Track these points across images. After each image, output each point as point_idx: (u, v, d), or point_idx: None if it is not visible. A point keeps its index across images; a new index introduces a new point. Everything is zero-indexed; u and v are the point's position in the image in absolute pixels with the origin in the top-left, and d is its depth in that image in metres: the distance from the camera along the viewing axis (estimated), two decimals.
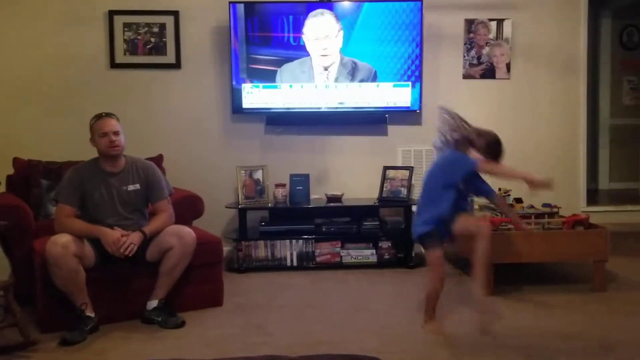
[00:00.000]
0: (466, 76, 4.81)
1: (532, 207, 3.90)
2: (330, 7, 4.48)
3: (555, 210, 3.80)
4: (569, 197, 4.74)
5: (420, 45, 4.58)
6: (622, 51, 6.63)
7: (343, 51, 4.53)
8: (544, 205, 3.90)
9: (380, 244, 4.30)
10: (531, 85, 4.82)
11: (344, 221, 4.42)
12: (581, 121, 4.84)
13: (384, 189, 4.53)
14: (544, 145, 4.83)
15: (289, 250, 4.25)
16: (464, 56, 4.78)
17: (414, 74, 4.60)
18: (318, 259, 4.27)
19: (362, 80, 4.56)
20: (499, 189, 4.07)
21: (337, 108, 4.59)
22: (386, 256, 4.29)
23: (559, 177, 4.81)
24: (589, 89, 6.08)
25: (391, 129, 4.80)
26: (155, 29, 4.56)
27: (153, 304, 3.08)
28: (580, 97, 4.85)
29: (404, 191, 4.45)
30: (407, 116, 4.75)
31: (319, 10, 4.48)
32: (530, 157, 4.80)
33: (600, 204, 5.18)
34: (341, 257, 4.28)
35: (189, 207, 3.75)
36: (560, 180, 4.80)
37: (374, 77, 4.56)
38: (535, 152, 4.81)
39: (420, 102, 4.65)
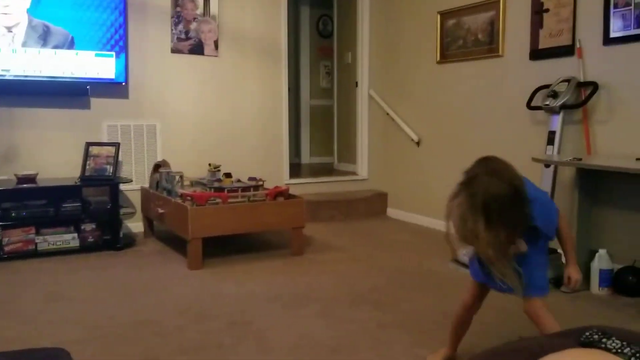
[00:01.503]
0: (174, 50, 4.72)
1: (239, 180, 4.06)
2: None
3: (260, 183, 4.02)
4: (275, 171, 5.09)
5: (124, 13, 4.32)
6: (318, 38, 7.36)
7: (32, 12, 3.99)
8: (250, 178, 4.09)
9: (83, 227, 3.97)
10: (238, 64, 4.99)
11: (39, 204, 3.94)
12: (284, 102, 5.22)
13: (87, 167, 4.18)
14: (251, 123, 5.07)
15: None
16: (172, 30, 4.68)
17: (118, 43, 4.32)
18: (7, 249, 3.73)
19: (56, 47, 4.09)
20: (209, 164, 4.14)
21: (27, 76, 4.04)
22: (90, 239, 3.99)
23: (266, 152, 5.14)
24: (292, 71, 6.62)
25: (95, 102, 4.44)
26: None
27: None
28: (282, 79, 5.22)
29: (110, 169, 4.18)
30: (112, 89, 4.45)
31: None
32: (238, 134, 5.00)
33: (301, 176, 5.69)
34: (36, 244, 3.82)
35: None
36: (266, 156, 5.14)
37: (70, 44, 4.14)
38: (243, 130, 5.03)
39: (127, 74, 4.41)
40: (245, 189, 3.87)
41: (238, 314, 2.77)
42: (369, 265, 3.67)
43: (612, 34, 3.36)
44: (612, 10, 3.36)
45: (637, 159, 2.96)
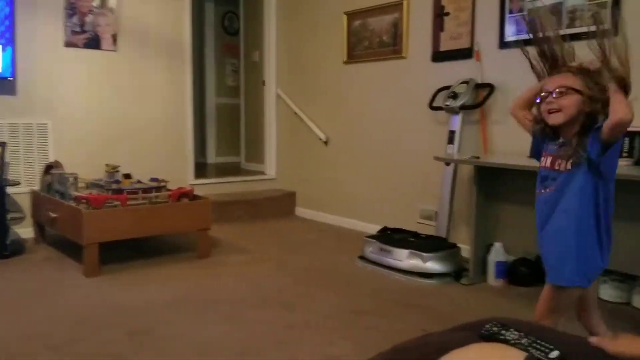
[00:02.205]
0: (68, 44, 4.41)
1: (139, 182, 3.87)
2: None
3: (162, 184, 3.85)
4: (179, 171, 4.91)
5: (11, 3, 3.98)
6: (224, 35, 7.21)
7: None
8: (152, 179, 3.91)
9: None
10: (139, 60, 4.76)
11: None
12: (188, 100, 5.05)
13: None
14: (153, 122, 4.86)
15: None
16: (66, 22, 4.38)
17: (5, 36, 3.98)
18: None
19: None
20: (107, 165, 3.91)
21: None
22: None
23: (169, 152, 4.95)
24: (197, 69, 6.44)
25: None
26: None
27: None
28: (187, 77, 5.04)
29: None
30: None
31: None
32: (139, 133, 4.77)
33: (208, 176, 5.54)
34: None
35: None
36: (170, 155, 4.95)
37: None
38: (144, 129, 4.80)
39: (14, 69, 4.07)
40: (147, 190, 3.69)
41: (138, 322, 2.63)
42: (277, 266, 3.63)
43: (507, 38, 3.55)
44: (507, 15, 3.54)
45: (528, 157, 3.12)
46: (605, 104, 1.70)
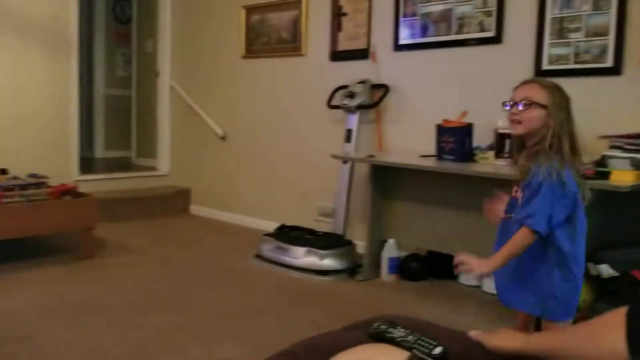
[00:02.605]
0: None
1: (16, 177, 3.55)
2: None
3: (42, 180, 3.56)
4: (62, 167, 4.57)
5: None
6: (115, 24, 6.82)
7: None
8: (30, 175, 3.61)
9: None
10: (18, 47, 4.36)
11: None
12: (73, 91, 4.71)
13: None
14: (33, 114, 4.47)
15: None
16: None
17: None
18: None
19: None
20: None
21: None
22: None
23: (51, 146, 4.60)
24: (85, 59, 6.04)
25: None
26: None
27: None
28: (73, 67, 4.70)
29: None
30: None
31: None
32: (16, 125, 4.38)
33: (95, 172, 5.21)
34: None
35: None
36: (52, 149, 4.60)
37: None
38: (22, 121, 4.41)
39: None
40: (24, 187, 3.39)
41: (12, 330, 2.39)
42: (168, 267, 3.48)
43: (401, 41, 3.64)
44: (401, 19, 3.64)
45: (421, 156, 3.24)
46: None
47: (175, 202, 5.16)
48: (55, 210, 3.38)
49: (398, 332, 1.16)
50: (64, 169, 4.57)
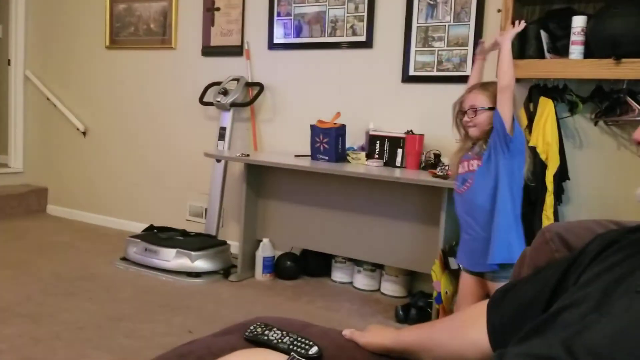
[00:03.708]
0: None
1: None
2: None
3: None
4: None
5: None
6: None
7: None
8: None
9: None
10: None
11: None
12: None
13: None
14: None
15: None
16: None
17: None
18: None
19: None
20: None
21: None
22: None
23: None
24: None
25: None
26: None
27: None
28: None
29: None
30: None
31: None
32: None
33: None
34: None
35: None
36: None
37: None
38: None
39: None
40: None
41: None
42: (22, 273, 3.16)
43: (276, 40, 3.64)
44: (275, 17, 3.63)
45: (296, 156, 3.26)
46: None
47: (30, 201, 4.72)
48: None
49: (274, 334, 1.15)
50: None
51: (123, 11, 4.35)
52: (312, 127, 3.16)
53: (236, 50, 3.81)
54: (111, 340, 2.32)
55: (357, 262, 3.20)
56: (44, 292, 2.88)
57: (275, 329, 1.16)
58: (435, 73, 3.10)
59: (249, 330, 1.18)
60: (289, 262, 3.32)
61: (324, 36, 3.47)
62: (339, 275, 3.30)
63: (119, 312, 2.65)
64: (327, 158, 3.07)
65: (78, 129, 4.58)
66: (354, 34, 3.37)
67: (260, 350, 1.03)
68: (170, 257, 3.24)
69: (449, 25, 3.06)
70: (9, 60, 4.97)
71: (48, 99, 4.73)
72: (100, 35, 4.45)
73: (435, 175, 2.67)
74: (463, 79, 3.03)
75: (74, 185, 4.69)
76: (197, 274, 3.20)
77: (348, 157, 3.11)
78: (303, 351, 1.07)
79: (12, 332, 2.33)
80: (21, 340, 2.25)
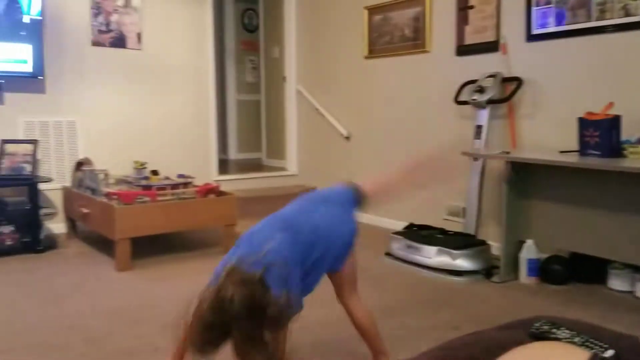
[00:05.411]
0: (95, 43, 4.46)
1: (167, 178, 3.91)
2: None
3: (189, 180, 3.89)
4: (203, 168, 4.95)
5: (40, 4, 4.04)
6: (243, 32, 7.22)
7: None
8: (179, 176, 3.95)
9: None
10: (163, 58, 4.80)
11: None
12: (211, 97, 5.08)
13: (2, 166, 3.88)
14: (177, 119, 4.90)
15: None
16: (92, 21, 4.42)
17: (33, 36, 4.03)
18: None
19: None
20: (135, 162, 3.96)
21: None
22: (8, 242, 3.71)
23: (193, 149, 4.99)
24: (218, 67, 6.46)
25: (9, 97, 4.13)
26: None
27: None
28: (209, 74, 5.07)
29: (28, 167, 3.91)
30: (29, 83, 4.16)
31: None
32: (163, 130, 4.81)
33: (230, 173, 5.56)
34: None
35: None
36: (193, 152, 4.99)
37: None
38: (168, 126, 4.85)
39: (43, 68, 4.13)
40: (175, 186, 3.73)
41: (171, 316, 2.65)
42: None
43: (534, 31, 3.51)
44: (533, 7, 3.50)
45: (561, 152, 3.10)
46: None
47: None
48: (202, 207, 3.67)
49: (563, 334, 1.15)
50: (204, 169, 4.95)
51: (380, 21, 4.65)
52: (580, 119, 2.96)
53: (491, 46, 3.77)
54: (381, 330, 2.52)
55: (638, 269, 2.90)
56: None
57: (563, 328, 1.17)
58: None
59: (534, 327, 1.21)
60: (557, 266, 3.15)
61: (591, 21, 3.22)
62: (616, 282, 3.01)
63: (387, 303, 2.87)
64: (598, 153, 2.85)
65: (342, 134, 5.05)
66: (627, 14, 3.05)
67: (559, 344, 1.05)
68: (432, 255, 3.37)
69: None
70: (284, 77, 5.72)
71: (316, 108, 5.32)
72: (360, 47, 4.83)
73: None
74: None
75: None
76: (458, 273, 3.26)
77: (624, 151, 2.83)
78: (598, 353, 1.05)
79: None
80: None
